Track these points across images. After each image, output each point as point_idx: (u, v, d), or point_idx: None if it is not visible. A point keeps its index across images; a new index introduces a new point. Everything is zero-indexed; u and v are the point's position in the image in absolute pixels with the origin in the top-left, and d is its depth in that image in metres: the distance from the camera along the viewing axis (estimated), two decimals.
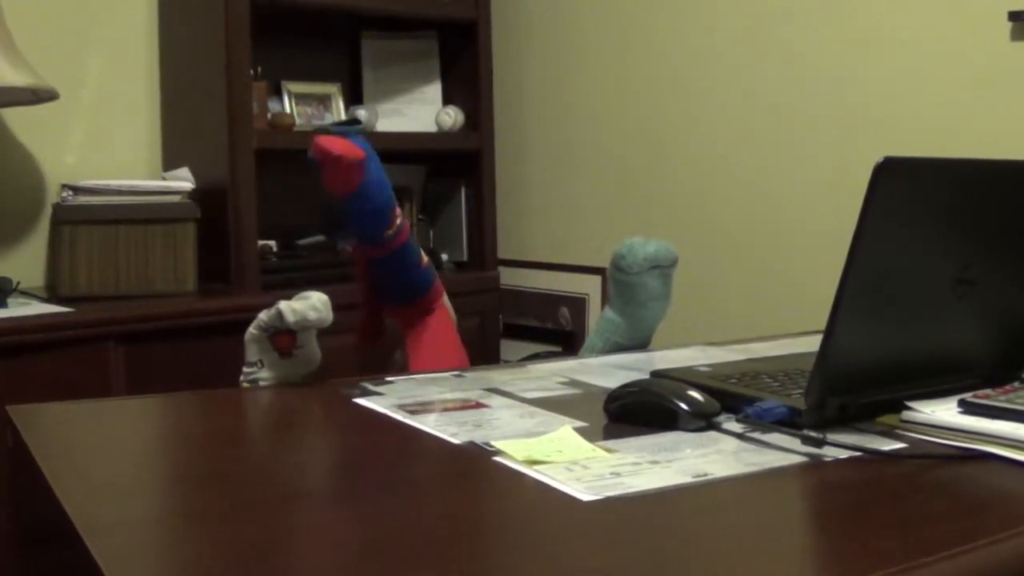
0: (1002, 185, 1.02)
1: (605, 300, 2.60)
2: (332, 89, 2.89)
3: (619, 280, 1.51)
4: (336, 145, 1.48)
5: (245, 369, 1.28)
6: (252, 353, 1.28)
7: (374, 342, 1.68)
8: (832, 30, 2.21)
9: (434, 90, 2.98)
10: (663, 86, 2.59)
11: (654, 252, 1.50)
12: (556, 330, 2.87)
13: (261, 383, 1.27)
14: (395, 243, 1.57)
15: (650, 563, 0.68)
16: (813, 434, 0.93)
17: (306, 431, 1.07)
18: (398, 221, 1.57)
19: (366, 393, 1.20)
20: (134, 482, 0.88)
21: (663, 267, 1.51)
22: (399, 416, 1.08)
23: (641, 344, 1.55)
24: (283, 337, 1.27)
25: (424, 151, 2.93)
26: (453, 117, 2.84)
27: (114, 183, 2.29)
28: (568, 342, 2.82)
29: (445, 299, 1.69)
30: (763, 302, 2.36)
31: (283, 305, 1.25)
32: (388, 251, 1.57)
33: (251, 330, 1.28)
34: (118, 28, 2.61)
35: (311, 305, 1.26)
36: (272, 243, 2.63)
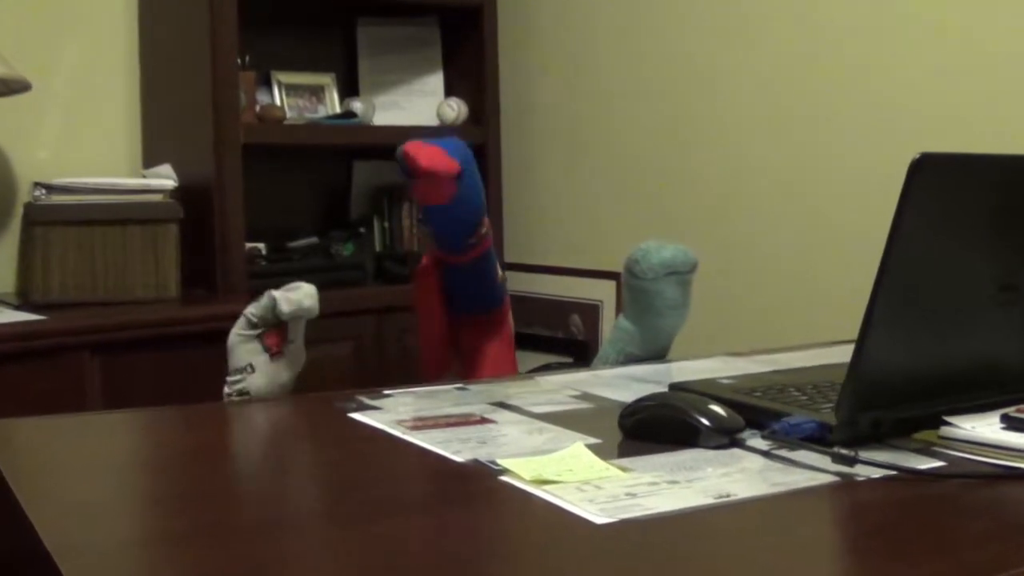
0: None
1: (620, 307, 2.60)
2: (325, 79, 2.90)
3: (634, 287, 1.52)
4: (426, 157, 1.44)
5: (231, 378, 1.28)
6: (240, 357, 1.28)
7: (444, 372, 1.65)
8: (865, 16, 2.21)
9: (435, 81, 2.98)
10: (683, 77, 2.59)
11: (671, 257, 1.50)
12: (567, 339, 2.88)
13: (252, 391, 1.27)
14: (475, 252, 1.55)
15: None
16: (844, 452, 0.93)
17: (297, 448, 1.07)
18: (483, 230, 1.55)
19: (362, 407, 1.20)
20: (111, 502, 0.89)
21: (681, 273, 1.51)
22: (398, 432, 1.09)
23: (658, 355, 1.55)
24: (273, 334, 1.27)
25: None
26: (456, 110, 2.85)
27: (90, 181, 2.30)
28: (580, 352, 2.82)
29: (509, 316, 1.69)
30: (790, 310, 2.36)
31: (278, 294, 1.25)
32: (467, 259, 1.55)
33: (237, 332, 1.28)
34: (95, 13, 2.62)
35: (305, 293, 1.26)
36: (260, 246, 2.63)
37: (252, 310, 1.27)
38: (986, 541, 0.76)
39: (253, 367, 1.27)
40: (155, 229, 2.30)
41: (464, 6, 2.88)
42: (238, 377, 1.28)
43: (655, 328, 1.52)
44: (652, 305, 1.50)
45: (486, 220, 1.57)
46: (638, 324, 1.52)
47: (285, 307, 1.25)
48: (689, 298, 1.54)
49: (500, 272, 1.64)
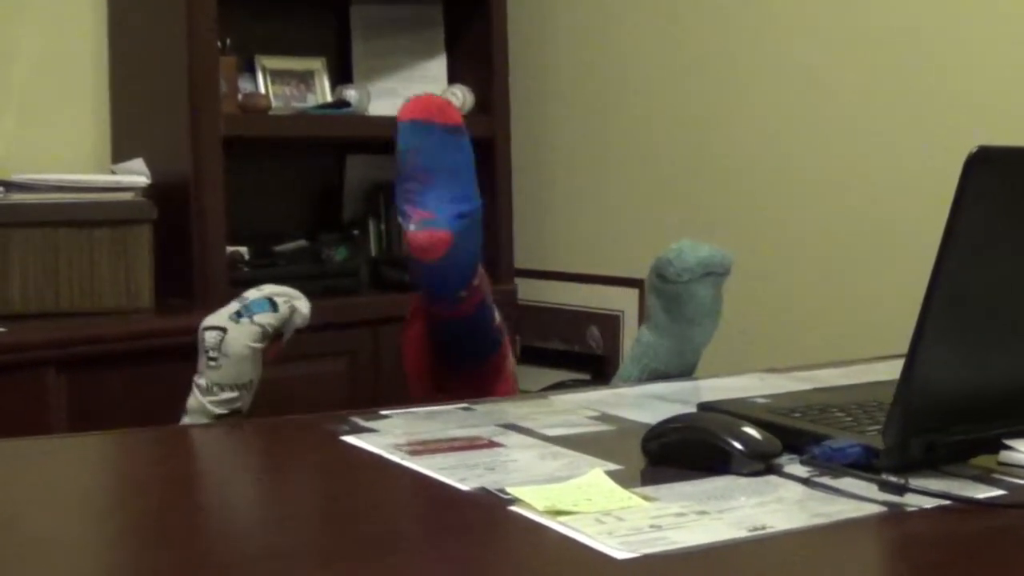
0: None
1: (642, 318, 2.60)
2: (315, 65, 2.91)
3: (664, 291, 1.52)
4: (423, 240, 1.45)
5: (225, 395, 1.28)
6: (245, 372, 1.27)
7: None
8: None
9: (437, 66, 2.99)
10: (713, 63, 2.59)
11: (707, 256, 1.50)
12: (584, 354, 2.88)
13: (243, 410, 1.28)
14: (464, 306, 1.54)
15: None
16: (893, 479, 0.93)
17: (283, 476, 1.08)
18: (475, 281, 1.54)
19: (357, 430, 1.20)
20: (75, 536, 0.89)
21: (717, 274, 1.51)
22: (396, 457, 1.09)
23: (686, 371, 1.55)
24: (275, 345, 1.27)
25: None
26: (461, 99, 2.85)
27: (54, 178, 2.30)
28: (598, 368, 2.82)
29: (511, 361, 1.67)
30: (832, 321, 2.36)
31: (296, 303, 1.25)
32: (457, 315, 1.54)
33: (250, 343, 1.27)
34: None
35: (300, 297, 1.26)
36: (243, 249, 2.64)
37: (270, 320, 1.26)
38: None
39: (253, 383, 1.27)
40: (126, 231, 2.31)
41: None
42: (235, 395, 1.27)
43: (686, 338, 1.52)
44: (684, 311, 1.50)
45: (480, 269, 1.56)
46: (667, 334, 1.52)
47: (299, 320, 1.25)
48: (721, 306, 1.55)
49: (497, 318, 1.62)
